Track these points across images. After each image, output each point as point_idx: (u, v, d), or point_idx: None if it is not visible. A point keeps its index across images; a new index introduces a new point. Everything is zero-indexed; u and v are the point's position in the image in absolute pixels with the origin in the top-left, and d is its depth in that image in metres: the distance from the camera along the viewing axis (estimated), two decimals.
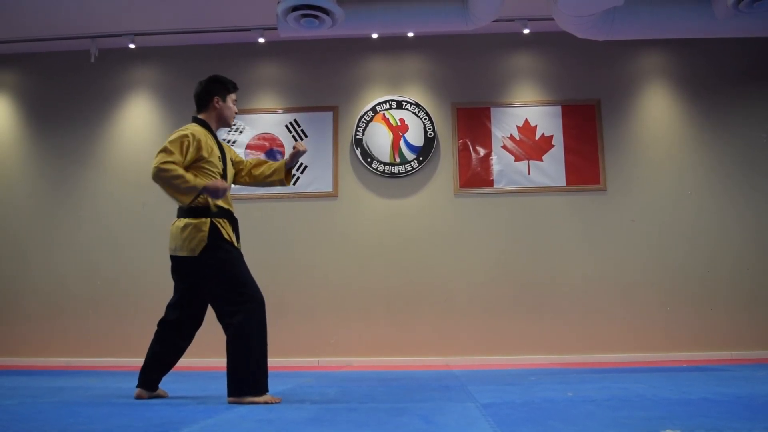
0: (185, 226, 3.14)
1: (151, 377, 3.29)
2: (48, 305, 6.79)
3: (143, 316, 6.62)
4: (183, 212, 3.19)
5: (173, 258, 3.20)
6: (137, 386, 3.24)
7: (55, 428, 2.17)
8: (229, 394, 2.92)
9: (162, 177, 3.10)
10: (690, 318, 6.38)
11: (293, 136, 6.87)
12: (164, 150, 3.16)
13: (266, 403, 2.89)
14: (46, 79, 7.32)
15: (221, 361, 6.33)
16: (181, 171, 3.11)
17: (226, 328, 3.04)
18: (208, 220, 3.16)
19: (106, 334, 6.65)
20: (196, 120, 3.41)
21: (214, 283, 3.12)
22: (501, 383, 3.86)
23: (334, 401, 2.97)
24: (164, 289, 6.63)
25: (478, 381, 4.06)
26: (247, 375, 2.93)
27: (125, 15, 6.61)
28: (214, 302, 3.14)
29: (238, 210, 6.86)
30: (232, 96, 3.51)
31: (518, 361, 6.28)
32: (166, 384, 3.54)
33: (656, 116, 6.81)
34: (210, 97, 3.44)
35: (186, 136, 3.21)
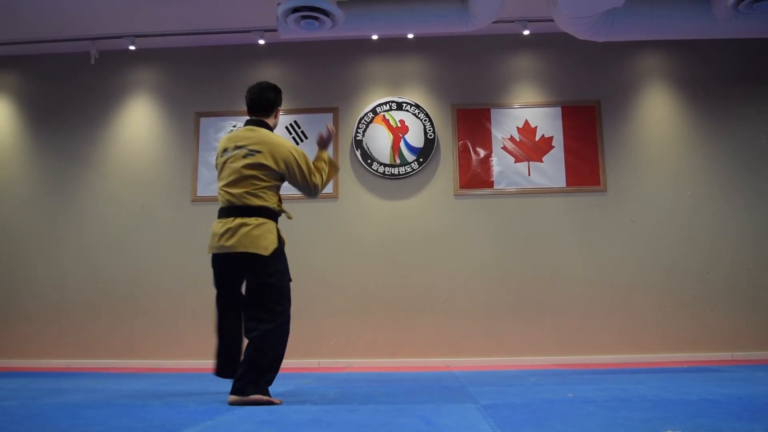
0: (259, 225, 3.21)
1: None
2: (49, 307, 6.79)
3: (144, 318, 6.62)
4: (251, 211, 3.24)
5: (235, 254, 3.21)
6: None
7: (55, 430, 2.18)
8: (234, 393, 2.93)
9: (324, 183, 3.53)
10: (690, 319, 6.38)
11: (293, 138, 6.87)
12: (310, 169, 3.43)
13: (269, 402, 2.92)
14: (46, 80, 7.32)
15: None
16: (321, 166, 3.53)
17: (251, 331, 3.10)
18: (276, 224, 3.32)
19: (107, 336, 6.65)
20: (266, 125, 3.48)
21: (265, 286, 3.18)
22: (501, 384, 3.86)
23: (335, 402, 2.97)
24: (166, 290, 6.67)
25: (479, 382, 4.06)
26: (258, 378, 2.98)
27: (125, 17, 6.62)
28: (254, 302, 3.19)
29: None
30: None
31: (518, 363, 6.28)
32: (165, 386, 3.53)
33: (656, 117, 6.82)
34: (275, 107, 3.56)
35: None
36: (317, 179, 3.44)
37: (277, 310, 3.15)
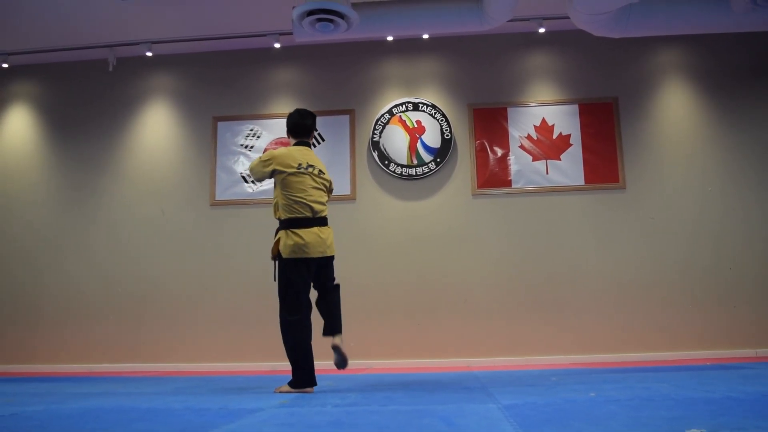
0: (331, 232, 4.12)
1: (312, 372, 3.95)
2: (71, 311, 6.86)
3: (166, 322, 6.67)
4: (325, 221, 4.08)
5: (324, 258, 4.02)
6: (311, 386, 3.91)
7: None
8: (335, 332, 4.13)
9: None
10: (713, 316, 6.32)
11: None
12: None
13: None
14: (65, 88, 7.40)
15: (242, 366, 6.36)
16: None
17: (333, 289, 4.21)
18: None
19: (129, 341, 6.70)
20: (309, 144, 4.30)
21: (332, 269, 4.17)
22: (522, 384, 3.84)
23: (355, 404, 2.97)
24: (186, 294, 6.71)
25: (500, 382, 4.05)
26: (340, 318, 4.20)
27: (142, 23, 6.67)
28: (331, 276, 4.17)
29: (257, 214, 6.91)
30: None
31: (539, 362, 6.25)
32: (186, 389, 3.55)
33: (675, 113, 6.76)
34: (312, 131, 4.32)
35: None
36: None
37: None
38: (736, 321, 6.28)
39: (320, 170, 4.11)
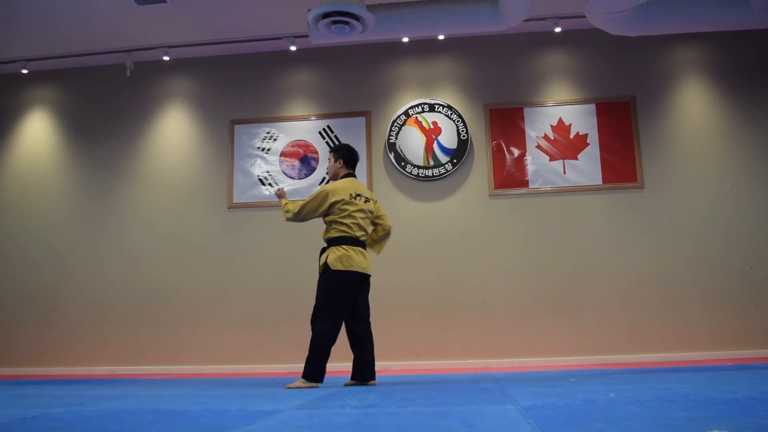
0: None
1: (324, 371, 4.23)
2: (92, 315, 6.93)
3: (184, 324, 6.71)
4: (362, 242, 4.42)
5: (364, 275, 4.36)
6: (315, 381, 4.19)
7: None
8: (372, 377, 4.32)
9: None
10: (733, 315, 6.26)
11: (327, 143, 6.91)
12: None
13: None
14: (83, 93, 7.48)
15: (260, 368, 6.38)
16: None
17: (368, 326, 4.39)
18: None
19: (149, 343, 6.75)
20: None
21: (367, 297, 4.47)
22: (541, 385, 3.82)
23: (374, 405, 2.97)
24: (205, 296, 6.75)
25: (518, 383, 4.03)
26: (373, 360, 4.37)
27: (159, 28, 6.72)
28: (367, 305, 4.44)
29: (272, 216, 6.93)
30: None
31: (558, 363, 6.22)
32: (206, 392, 3.57)
33: (693, 111, 6.70)
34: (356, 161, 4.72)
35: None
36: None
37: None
38: (758, 320, 6.22)
39: (367, 198, 4.50)
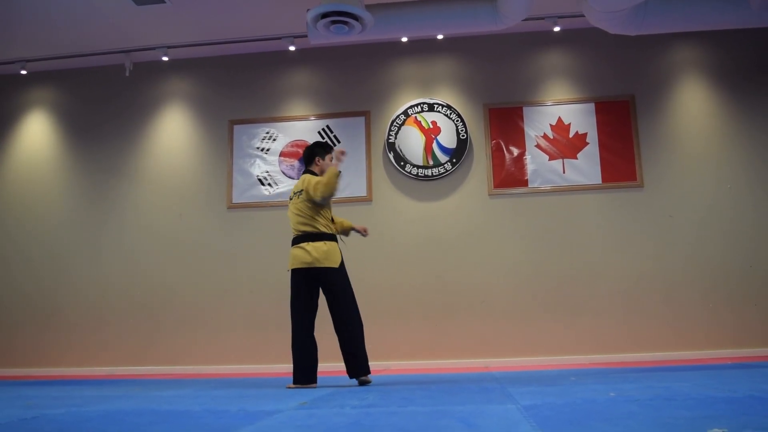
0: (326, 246, 4.25)
1: (309, 371, 4.22)
2: (91, 316, 6.93)
3: (183, 325, 6.71)
4: (319, 236, 4.25)
5: (314, 269, 4.20)
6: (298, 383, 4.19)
7: None
8: (361, 374, 4.16)
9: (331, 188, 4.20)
10: (733, 314, 6.26)
11: (326, 143, 6.89)
12: (317, 182, 4.24)
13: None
14: (83, 94, 7.47)
15: (259, 368, 6.37)
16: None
17: (344, 322, 4.26)
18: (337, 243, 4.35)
19: (148, 344, 6.75)
20: (311, 172, 4.48)
21: (340, 290, 4.27)
22: (541, 384, 3.82)
23: (374, 405, 2.97)
24: (204, 297, 6.74)
25: (518, 382, 4.03)
26: (365, 357, 4.22)
27: (158, 29, 6.72)
28: (339, 303, 4.27)
29: (272, 216, 6.93)
30: (330, 155, 4.56)
31: (557, 362, 6.22)
32: (206, 392, 3.57)
33: (693, 110, 6.70)
34: (314, 157, 4.54)
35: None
36: (319, 190, 4.22)
37: (354, 307, 4.44)
38: (757, 319, 6.22)
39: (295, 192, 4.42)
